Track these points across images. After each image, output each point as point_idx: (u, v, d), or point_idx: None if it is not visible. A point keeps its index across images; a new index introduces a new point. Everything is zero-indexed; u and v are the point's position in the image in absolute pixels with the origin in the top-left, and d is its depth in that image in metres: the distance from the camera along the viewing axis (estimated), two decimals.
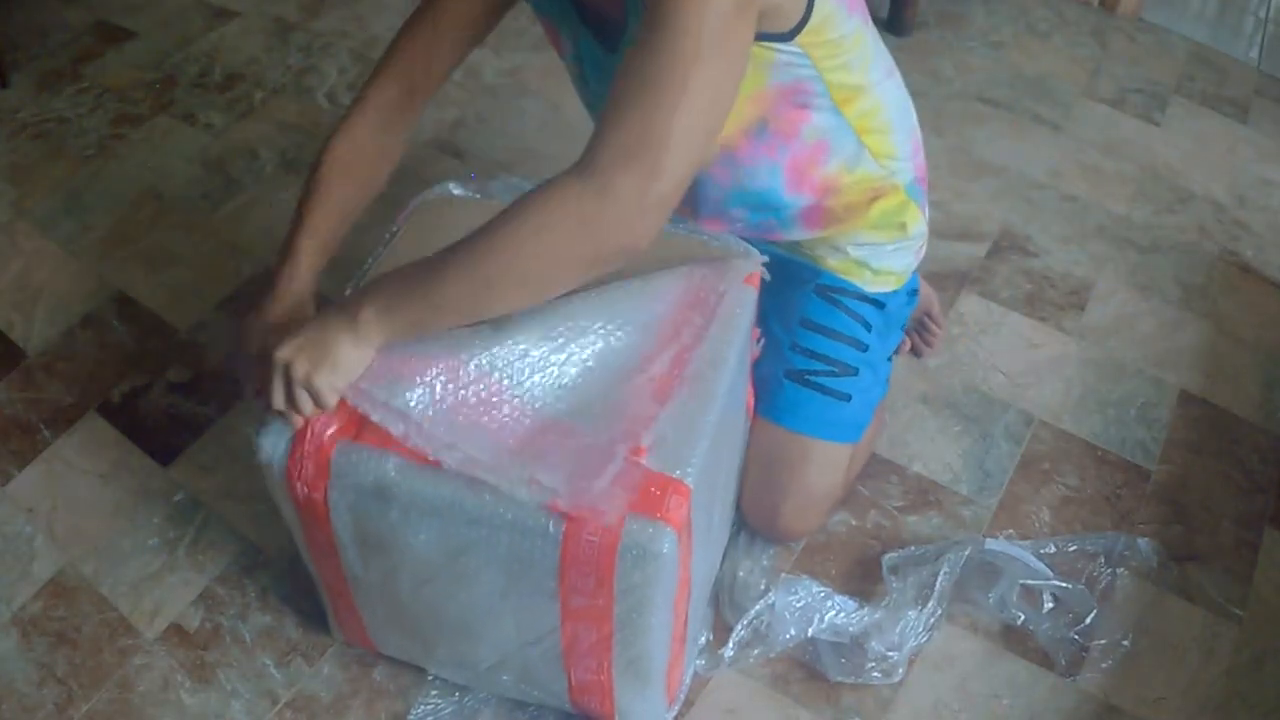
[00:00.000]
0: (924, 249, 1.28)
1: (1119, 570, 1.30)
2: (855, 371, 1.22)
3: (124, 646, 1.24)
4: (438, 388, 0.92)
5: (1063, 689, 1.21)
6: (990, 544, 1.27)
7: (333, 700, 1.19)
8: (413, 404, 0.91)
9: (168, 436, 1.44)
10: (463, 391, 0.92)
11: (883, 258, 1.23)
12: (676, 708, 1.15)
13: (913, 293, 1.32)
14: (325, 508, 0.96)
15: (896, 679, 1.19)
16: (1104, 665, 1.22)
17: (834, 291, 1.23)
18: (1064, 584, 1.26)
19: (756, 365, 1.20)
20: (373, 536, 0.97)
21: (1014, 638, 1.25)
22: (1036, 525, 1.36)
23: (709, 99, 0.85)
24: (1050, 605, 1.26)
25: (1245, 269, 1.73)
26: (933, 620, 1.21)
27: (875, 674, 1.18)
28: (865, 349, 1.23)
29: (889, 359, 1.31)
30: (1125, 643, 1.24)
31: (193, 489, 1.39)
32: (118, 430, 1.45)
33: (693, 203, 1.16)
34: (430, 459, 0.90)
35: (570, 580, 0.92)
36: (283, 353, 0.90)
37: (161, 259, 1.70)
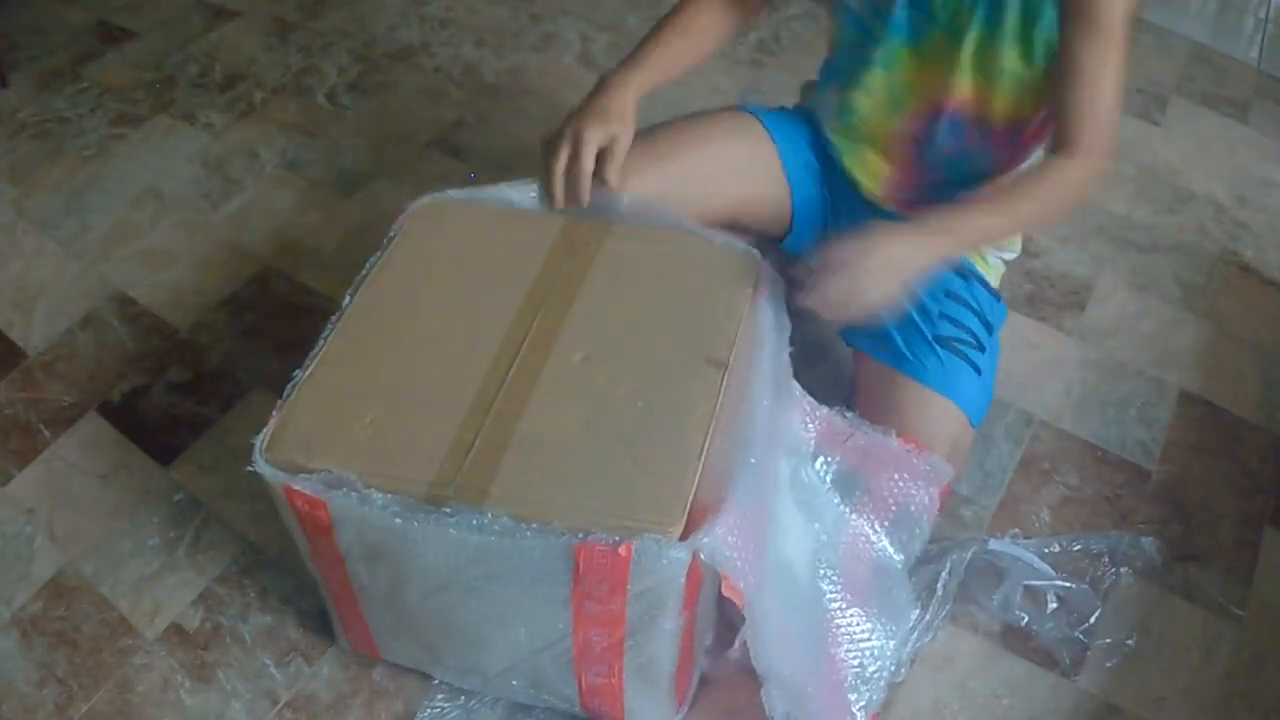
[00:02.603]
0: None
1: (1122, 570, 1.30)
2: (983, 348, 1.24)
3: (124, 646, 1.24)
4: None
5: (1063, 689, 1.21)
6: (994, 544, 1.27)
7: (333, 700, 1.19)
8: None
9: (168, 436, 1.44)
10: None
11: (990, 250, 1.34)
12: (685, 709, 1.15)
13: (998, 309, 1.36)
14: (329, 523, 0.95)
15: (898, 680, 1.19)
16: (1107, 665, 1.22)
17: (968, 273, 1.28)
18: (1068, 584, 1.26)
19: (902, 329, 1.23)
20: (379, 549, 0.97)
21: (1014, 637, 1.25)
22: (1036, 525, 1.36)
23: None
24: (1054, 605, 1.26)
25: (1245, 269, 1.73)
26: (936, 622, 1.21)
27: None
28: (989, 331, 1.27)
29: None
30: (1129, 642, 1.24)
31: (193, 489, 1.39)
32: (118, 430, 1.46)
33: (915, 156, 1.25)
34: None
35: (584, 587, 0.92)
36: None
37: (161, 259, 1.71)
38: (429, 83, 2.04)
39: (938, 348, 1.22)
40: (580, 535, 0.87)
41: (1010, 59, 1.11)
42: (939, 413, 1.20)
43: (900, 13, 1.14)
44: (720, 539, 0.88)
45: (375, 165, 1.86)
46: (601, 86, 1.14)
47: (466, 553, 0.92)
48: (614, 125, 1.10)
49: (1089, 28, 1.04)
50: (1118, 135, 1.09)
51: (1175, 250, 1.75)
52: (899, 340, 1.23)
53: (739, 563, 0.91)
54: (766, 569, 0.99)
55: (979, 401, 1.24)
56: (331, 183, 1.84)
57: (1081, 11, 1.04)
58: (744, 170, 1.28)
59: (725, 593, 0.92)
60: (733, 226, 1.24)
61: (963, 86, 1.15)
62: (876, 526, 1.20)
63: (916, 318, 1.23)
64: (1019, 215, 1.12)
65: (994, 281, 1.32)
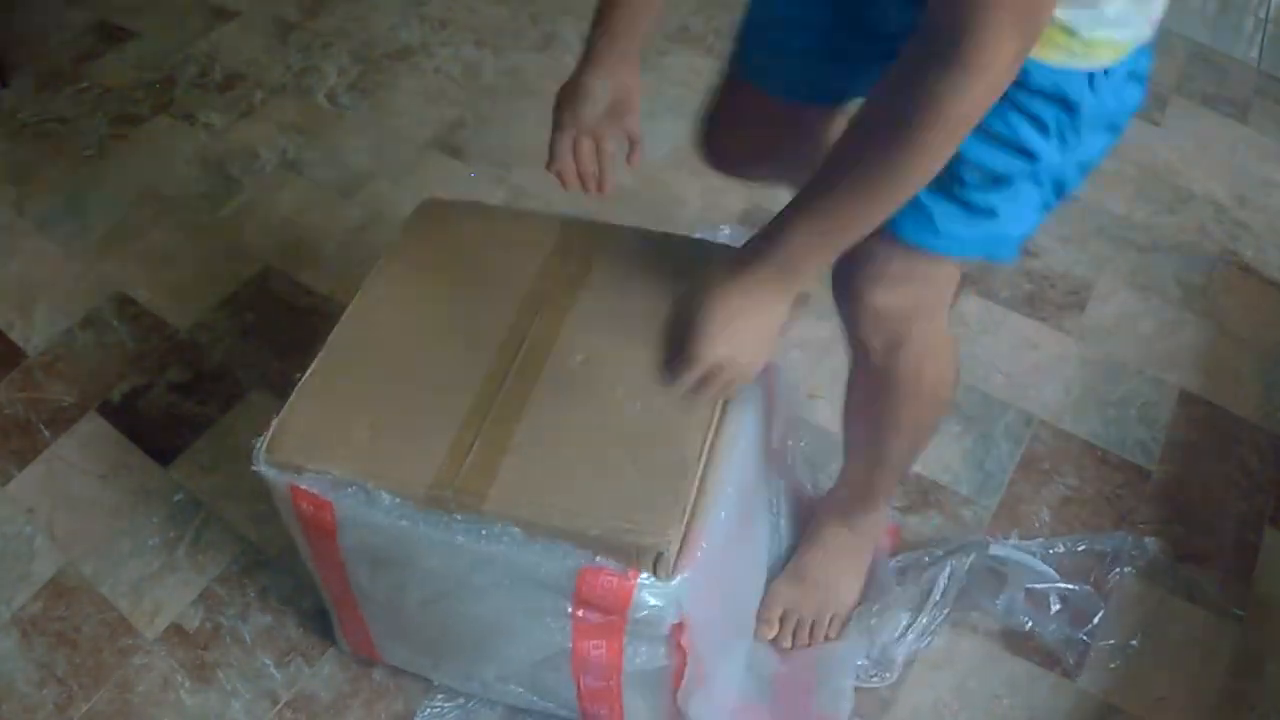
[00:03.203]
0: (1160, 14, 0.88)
1: (1126, 570, 1.30)
2: (1008, 182, 0.89)
3: (124, 646, 1.24)
4: None
5: (1063, 689, 1.21)
6: (995, 548, 1.26)
7: (333, 700, 1.19)
8: None
9: (168, 436, 1.44)
10: None
11: (1101, 23, 0.83)
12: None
13: (1135, 76, 0.91)
14: (333, 526, 0.95)
15: (893, 679, 1.19)
16: (1111, 665, 1.22)
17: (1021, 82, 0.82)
18: (1071, 585, 1.25)
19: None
20: (381, 554, 0.97)
21: (1014, 638, 1.24)
22: (1037, 525, 1.35)
23: None
24: (1057, 607, 1.25)
25: (1245, 269, 1.73)
26: (935, 625, 1.21)
27: (874, 680, 1.18)
28: (1033, 158, 0.87)
29: (1081, 169, 0.95)
30: (1133, 643, 1.24)
31: (193, 489, 1.39)
32: (118, 430, 1.46)
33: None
34: None
35: (585, 605, 0.92)
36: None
37: (161, 259, 1.71)
38: (429, 83, 2.04)
39: (923, 192, 0.81)
40: (585, 559, 0.88)
41: None
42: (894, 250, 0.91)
43: None
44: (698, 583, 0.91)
45: (375, 165, 1.86)
46: (597, 66, 1.11)
47: (470, 560, 0.92)
48: (629, 122, 1.10)
49: None
50: (1036, 27, 0.70)
51: (1175, 250, 1.75)
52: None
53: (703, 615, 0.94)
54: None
55: (995, 236, 0.93)
56: (331, 183, 1.84)
57: None
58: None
59: (681, 640, 0.94)
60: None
61: None
62: None
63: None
64: (863, 194, 0.76)
65: (1105, 60, 0.85)
